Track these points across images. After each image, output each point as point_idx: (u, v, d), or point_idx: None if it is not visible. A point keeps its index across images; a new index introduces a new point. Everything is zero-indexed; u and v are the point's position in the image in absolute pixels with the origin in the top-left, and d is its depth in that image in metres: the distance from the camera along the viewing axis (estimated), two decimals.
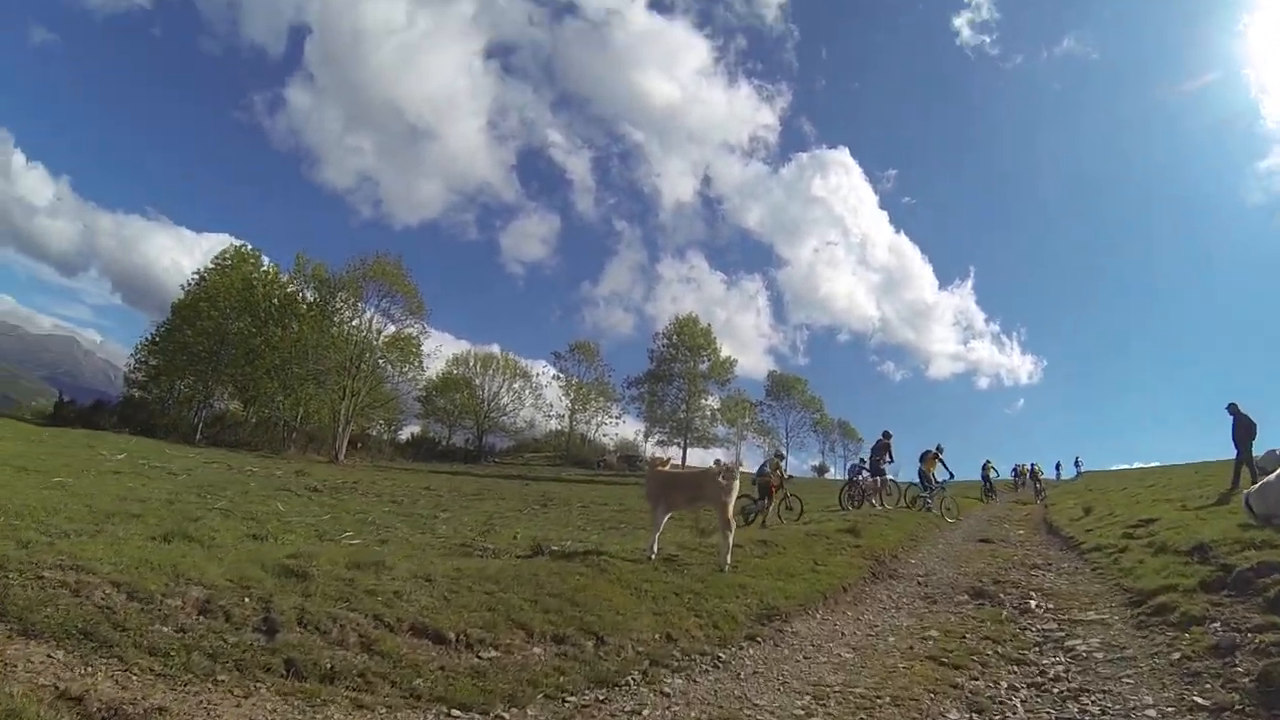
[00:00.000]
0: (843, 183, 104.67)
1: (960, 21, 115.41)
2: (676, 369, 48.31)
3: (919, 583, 9.35)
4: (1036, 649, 6.34)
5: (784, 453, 19.97)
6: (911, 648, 6.23)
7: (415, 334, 43.20)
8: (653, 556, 8.12)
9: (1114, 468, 46.47)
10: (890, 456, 18.71)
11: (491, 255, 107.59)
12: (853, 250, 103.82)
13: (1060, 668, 5.79)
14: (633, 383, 49.68)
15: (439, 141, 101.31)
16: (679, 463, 13.22)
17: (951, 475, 19.18)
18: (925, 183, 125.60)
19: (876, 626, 7.16)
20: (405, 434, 51.61)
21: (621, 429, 51.72)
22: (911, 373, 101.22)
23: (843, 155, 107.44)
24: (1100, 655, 5.97)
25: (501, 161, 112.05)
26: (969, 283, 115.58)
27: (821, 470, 64.74)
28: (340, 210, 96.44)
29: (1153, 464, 46.76)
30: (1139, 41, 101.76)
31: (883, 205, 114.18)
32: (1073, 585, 8.54)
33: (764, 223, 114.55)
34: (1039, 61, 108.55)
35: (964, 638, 6.59)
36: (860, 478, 18.83)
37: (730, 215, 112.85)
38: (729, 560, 7.98)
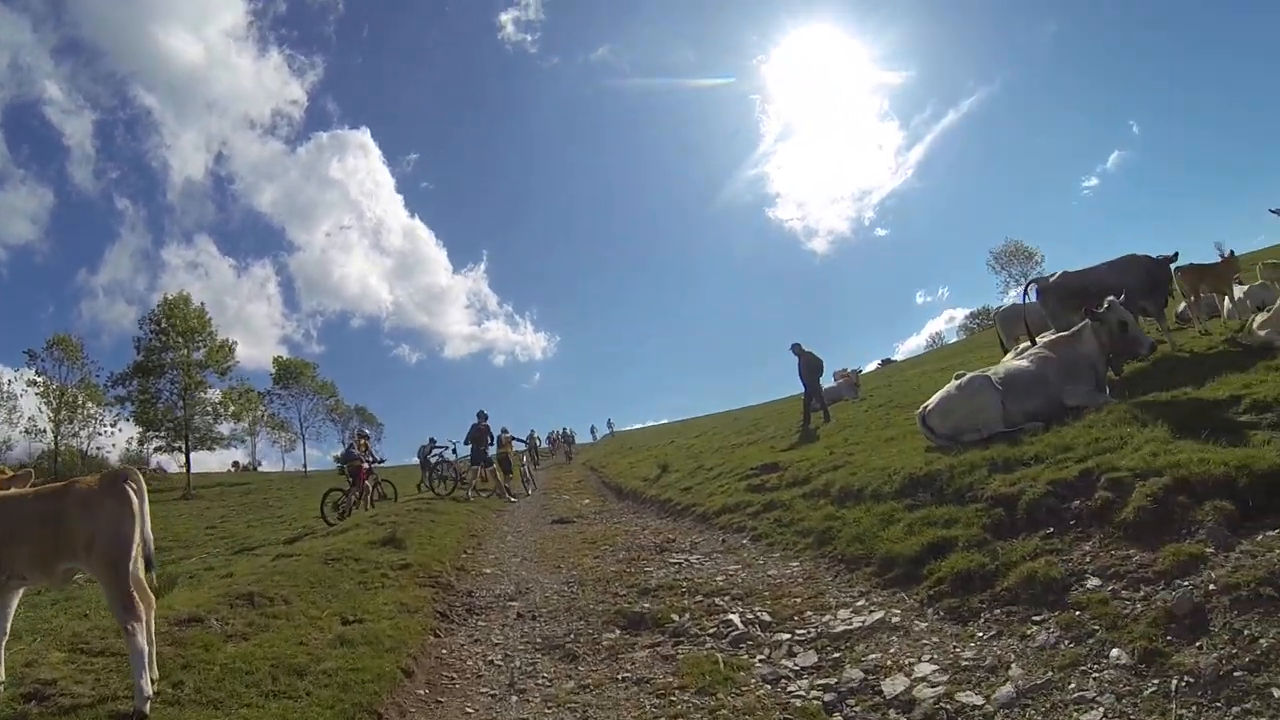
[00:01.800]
0: (360, 165, 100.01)
1: (506, 18, 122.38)
2: (169, 359, 38.01)
3: (519, 613, 5.26)
4: None
5: (368, 431, 16.17)
6: None
7: None
8: None
9: (636, 427, 51.32)
10: (492, 438, 15.46)
11: None
12: (367, 234, 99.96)
13: None
14: (118, 380, 38.44)
15: None
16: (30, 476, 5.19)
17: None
18: (445, 168, 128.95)
19: None
20: None
21: (119, 439, 41.75)
22: (427, 355, 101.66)
23: (364, 136, 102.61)
24: (976, 700, 2.62)
25: None
26: (481, 266, 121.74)
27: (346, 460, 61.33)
28: None
29: (664, 421, 53.18)
30: (665, 60, 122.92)
31: (400, 189, 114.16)
32: (753, 571, 5.48)
33: (277, 204, 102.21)
34: (575, 64, 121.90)
35: None
36: (440, 459, 15.99)
37: (242, 195, 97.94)
38: (151, 681, 3.30)
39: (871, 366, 41.45)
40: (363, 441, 13.79)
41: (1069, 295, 7.97)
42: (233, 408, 40.01)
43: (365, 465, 13.12)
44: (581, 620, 4.85)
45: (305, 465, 51.67)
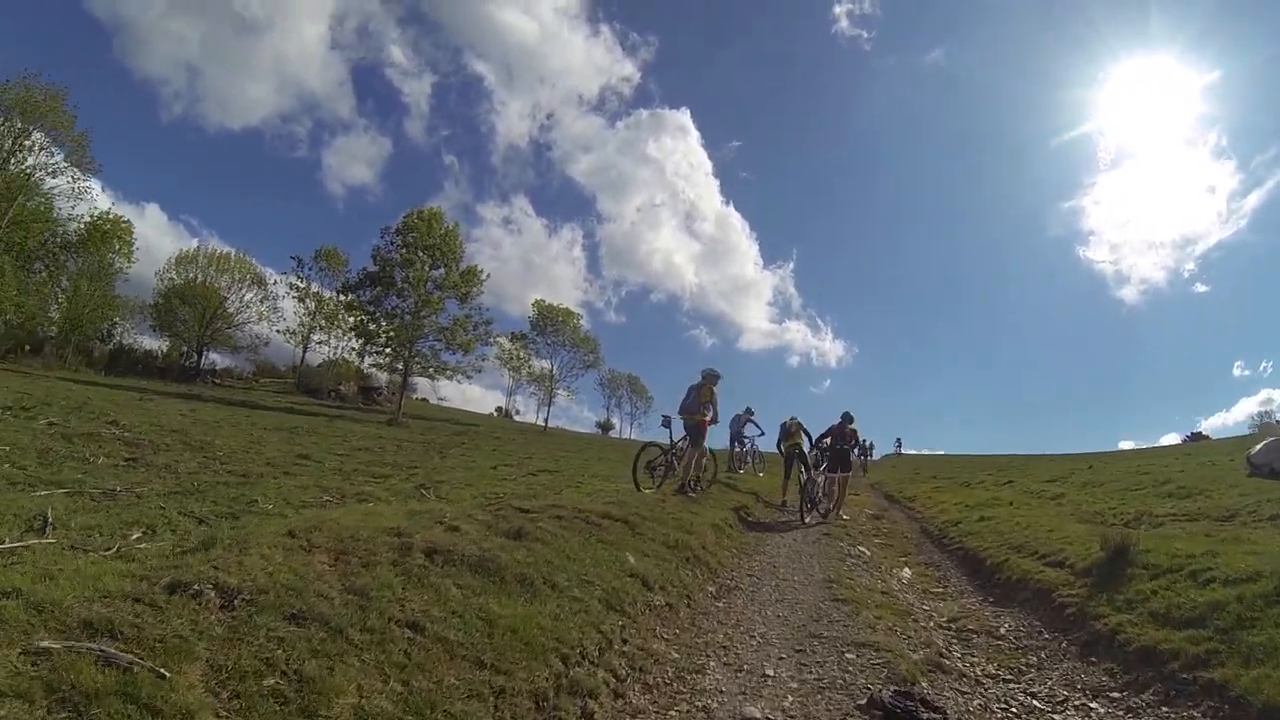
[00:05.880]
0: (679, 146, 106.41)
1: (840, 10, 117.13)
2: (404, 274, 34.46)
3: None
4: None
5: (754, 409, 15.95)
6: None
7: (78, 187, 30.02)
8: None
9: (924, 452, 44.44)
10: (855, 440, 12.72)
11: (313, 172, 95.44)
12: (678, 215, 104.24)
13: None
14: (349, 286, 36.08)
15: (270, 40, 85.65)
16: None
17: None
18: (767, 161, 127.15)
19: None
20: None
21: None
22: (722, 341, 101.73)
23: (683, 118, 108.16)
24: None
25: (336, 73, 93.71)
26: (790, 265, 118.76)
27: (605, 428, 60.33)
28: (147, 102, 79.51)
29: (942, 451, 44.52)
30: (1002, 69, 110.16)
31: (717, 174, 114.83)
32: None
33: (592, 174, 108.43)
34: (909, 67, 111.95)
35: None
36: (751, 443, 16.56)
37: (559, 163, 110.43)
38: None
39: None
40: (711, 383, 10.27)
41: None
42: (462, 337, 35.25)
43: (705, 422, 10.10)
44: None
45: (547, 420, 48.35)
